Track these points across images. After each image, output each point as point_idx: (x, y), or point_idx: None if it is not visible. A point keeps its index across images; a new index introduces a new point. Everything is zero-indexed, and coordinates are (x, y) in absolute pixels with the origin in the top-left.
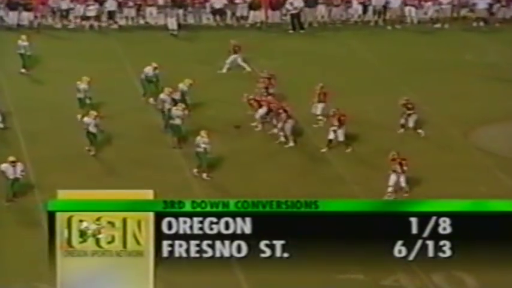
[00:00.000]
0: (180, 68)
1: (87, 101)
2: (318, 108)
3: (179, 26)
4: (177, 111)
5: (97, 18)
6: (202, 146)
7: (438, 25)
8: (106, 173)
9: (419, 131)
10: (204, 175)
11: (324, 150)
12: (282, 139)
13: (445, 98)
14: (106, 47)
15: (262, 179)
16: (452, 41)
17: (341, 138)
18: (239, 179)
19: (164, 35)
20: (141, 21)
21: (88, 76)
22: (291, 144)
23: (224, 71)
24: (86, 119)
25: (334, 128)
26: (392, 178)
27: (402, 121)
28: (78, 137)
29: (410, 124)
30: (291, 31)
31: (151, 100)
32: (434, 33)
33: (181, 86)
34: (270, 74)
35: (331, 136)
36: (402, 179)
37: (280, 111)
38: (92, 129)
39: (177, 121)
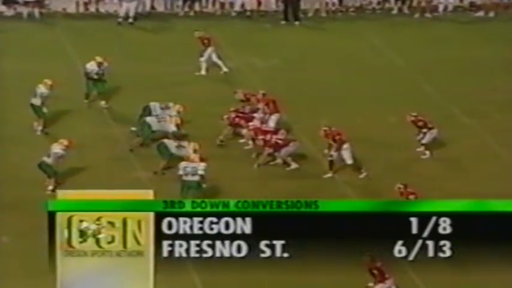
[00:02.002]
0: (145, 68)
1: (44, 110)
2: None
3: (148, 14)
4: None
5: (38, 3)
6: (199, 173)
7: (481, 13)
8: None
9: (426, 151)
10: None
11: (328, 175)
12: (279, 161)
13: (491, 109)
14: (50, 41)
15: None
16: (499, 34)
17: (349, 161)
18: None
19: (126, 26)
20: (93, 9)
21: (27, 77)
22: (293, 166)
23: (203, 72)
24: (55, 147)
25: (332, 150)
26: None
27: (420, 139)
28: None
29: (425, 140)
30: (283, 22)
31: (102, 103)
32: (475, 24)
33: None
34: (256, 95)
35: (331, 157)
36: None
37: (269, 146)
38: (51, 160)
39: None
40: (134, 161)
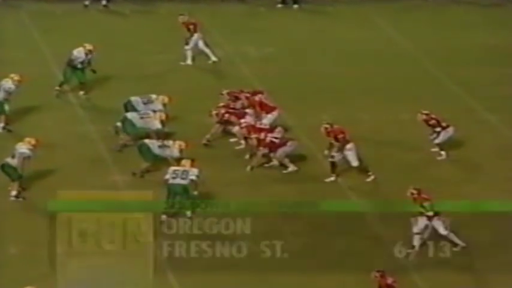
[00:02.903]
0: (123, 58)
1: (6, 107)
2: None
3: None
4: None
5: None
6: (191, 177)
7: None
8: None
9: (442, 152)
10: (188, 213)
11: (331, 178)
12: (275, 162)
13: None
14: (15, 25)
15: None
16: None
17: (354, 163)
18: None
19: (100, 10)
20: None
21: None
22: (291, 168)
23: (189, 61)
24: (20, 147)
25: (334, 151)
26: (421, 222)
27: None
28: None
29: (438, 140)
30: (279, 5)
31: (81, 93)
32: (499, 8)
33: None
34: (248, 93)
35: (332, 159)
36: (439, 226)
37: (263, 145)
38: (16, 162)
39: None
40: (110, 162)
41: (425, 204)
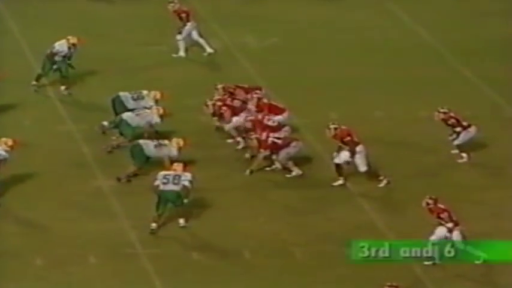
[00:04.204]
0: (109, 49)
1: None
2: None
3: None
4: None
5: None
6: (183, 183)
7: None
8: None
9: (463, 154)
10: (181, 221)
11: (339, 182)
12: (278, 165)
13: None
14: None
15: (247, 228)
16: None
17: (362, 168)
18: (219, 228)
19: None
20: None
21: None
22: (295, 172)
23: (182, 53)
24: None
25: (343, 153)
26: (440, 231)
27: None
28: None
29: (458, 141)
30: None
31: (62, 88)
32: None
33: None
34: (251, 89)
35: (338, 160)
36: (456, 235)
37: (264, 147)
38: None
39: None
40: (94, 166)
41: (443, 215)
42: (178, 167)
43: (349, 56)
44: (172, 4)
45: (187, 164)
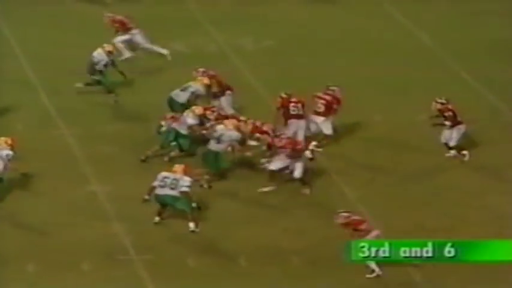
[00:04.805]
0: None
1: None
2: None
3: None
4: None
5: None
6: (182, 189)
7: None
8: None
9: (464, 152)
10: (192, 226)
11: (271, 188)
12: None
13: None
14: None
15: (243, 235)
16: None
17: (297, 173)
18: (214, 234)
19: None
20: None
21: None
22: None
23: (127, 54)
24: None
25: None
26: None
27: (444, 137)
28: None
29: (453, 141)
30: None
31: (113, 96)
32: None
33: None
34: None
35: (273, 166)
36: None
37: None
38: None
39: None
40: (88, 171)
41: (362, 226)
42: (178, 168)
43: (346, 58)
44: (107, 15)
45: (188, 167)
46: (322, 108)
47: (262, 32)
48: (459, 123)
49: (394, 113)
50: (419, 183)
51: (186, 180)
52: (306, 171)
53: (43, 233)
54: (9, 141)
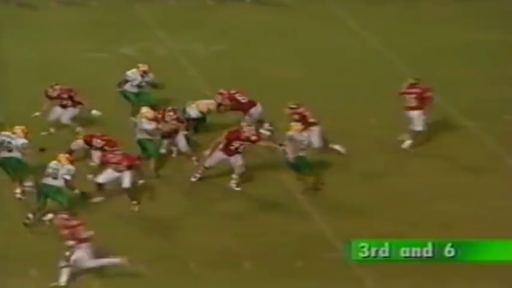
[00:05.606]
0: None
1: None
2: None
3: None
4: None
5: None
6: (64, 176)
7: None
8: None
9: (339, 147)
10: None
11: (99, 199)
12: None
13: (498, 108)
14: None
15: (193, 240)
16: (506, 16)
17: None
18: (164, 239)
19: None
20: None
21: None
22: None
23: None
24: (14, 139)
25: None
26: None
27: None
28: None
29: (317, 144)
30: None
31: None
32: (477, 3)
33: None
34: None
35: (101, 180)
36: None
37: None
38: (16, 153)
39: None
40: None
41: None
42: (63, 157)
43: (297, 63)
44: (51, 89)
45: (72, 154)
46: (414, 103)
47: (212, 37)
48: (314, 124)
49: (344, 117)
50: (368, 186)
51: (68, 168)
52: (134, 185)
53: None
54: (26, 130)
